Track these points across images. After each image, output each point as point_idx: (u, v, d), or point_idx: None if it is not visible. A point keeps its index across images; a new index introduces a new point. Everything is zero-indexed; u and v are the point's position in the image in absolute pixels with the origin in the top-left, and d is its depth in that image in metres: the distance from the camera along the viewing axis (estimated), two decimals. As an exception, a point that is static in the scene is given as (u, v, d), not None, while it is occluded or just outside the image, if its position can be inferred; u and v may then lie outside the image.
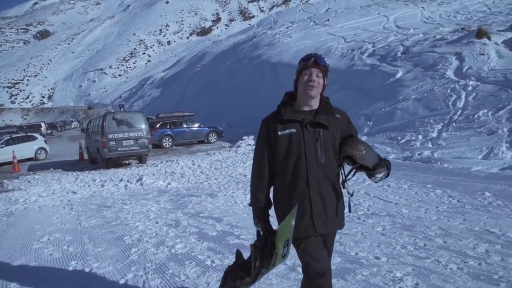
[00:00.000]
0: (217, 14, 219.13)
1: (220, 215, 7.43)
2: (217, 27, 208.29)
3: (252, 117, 27.44)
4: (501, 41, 16.81)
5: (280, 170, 2.89)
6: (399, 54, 18.26)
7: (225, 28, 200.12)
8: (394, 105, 13.73)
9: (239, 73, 35.01)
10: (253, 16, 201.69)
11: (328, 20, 37.58)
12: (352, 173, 3.04)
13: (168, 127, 24.22)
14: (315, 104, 2.92)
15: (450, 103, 12.44)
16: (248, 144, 19.33)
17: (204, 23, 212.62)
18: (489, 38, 16.85)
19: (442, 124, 11.64)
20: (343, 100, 16.63)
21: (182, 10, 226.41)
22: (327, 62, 3.02)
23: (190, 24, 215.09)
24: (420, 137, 11.37)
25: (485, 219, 5.98)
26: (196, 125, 24.86)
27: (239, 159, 15.29)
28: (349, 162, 2.94)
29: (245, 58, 36.10)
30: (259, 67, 31.63)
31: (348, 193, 2.97)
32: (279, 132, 2.85)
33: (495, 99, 11.86)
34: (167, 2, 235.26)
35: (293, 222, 2.64)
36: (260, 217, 2.91)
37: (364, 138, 12.75)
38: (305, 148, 2.81)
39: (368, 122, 13.65)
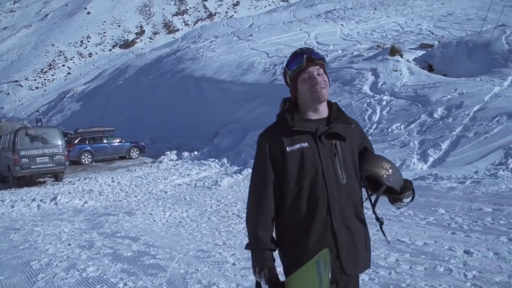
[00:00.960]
0: (141, 27, 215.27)
1: (137, 234, 7.18)
2: (141, 39, 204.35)
3: (175, 131, 27.07)
4: (412, 59, 17.85)
5: (291, 197, 2.26)
6: (320, 69, 18.84)
7: (149, 41, 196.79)
8: (314, 119, 14.10)
9: (162, 87, 34.48)
10: (178, 30, 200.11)
11: (251, 35, 38.09)
12: (375, 197, 2.42)
13: (87, 142, 23.26)
14: (324, 110, 2.37)
15: (366, 117, 12.98)
16: (170, 159, 19.00)
17: (127, 35, 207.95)
18: (401, 56, 17.84)
19: (358, 137, 12.09)
20: (265, 114, 16.83)
21: (105, 22, 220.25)
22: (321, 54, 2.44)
23: (112, 36, 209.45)
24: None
25: (396, 229, 6.23)
26: (117, 140, 24.09)
27: (160, 175, 14.97)
28: (368, 184, 2.41)
29: (168, 72, 35.65)
30: (182, 81, 31.33)
31: (379, 220, 2.43)
32: (287, 148, 2.25)
33: (407, 113, 12.52)
34: (88, 13, 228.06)
35: (328, 273, 1.89)
36: (265, 262, 2.17)
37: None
38: (322, 165, 2.23)
39: (289, 136, 13.89)
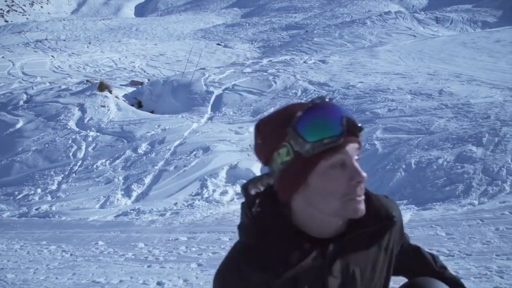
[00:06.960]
0: None
1: None
2: None
3: None
4: (122, 95, 18.15)
5: None
6: (21, 102, 17.33)
7: None
8: (12, 157, 12.78)
9: None
10: None
11: None
12: None
13: None
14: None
15: (71, 154, 12.47)
16: None
17: None
18: (110, 91, 17.93)
19: (62, 175, 11.51)
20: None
21: None
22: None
23: None
24: (39, 190, 10.90)
25: (94, 270, 6.03)
26: None
27: None
28: None
29: None
30: None
31: None
32: None
33: (113, 149, 12.56)
34: None
35: None
36: None
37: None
38: None
39: (-19, 178, 12.28)
